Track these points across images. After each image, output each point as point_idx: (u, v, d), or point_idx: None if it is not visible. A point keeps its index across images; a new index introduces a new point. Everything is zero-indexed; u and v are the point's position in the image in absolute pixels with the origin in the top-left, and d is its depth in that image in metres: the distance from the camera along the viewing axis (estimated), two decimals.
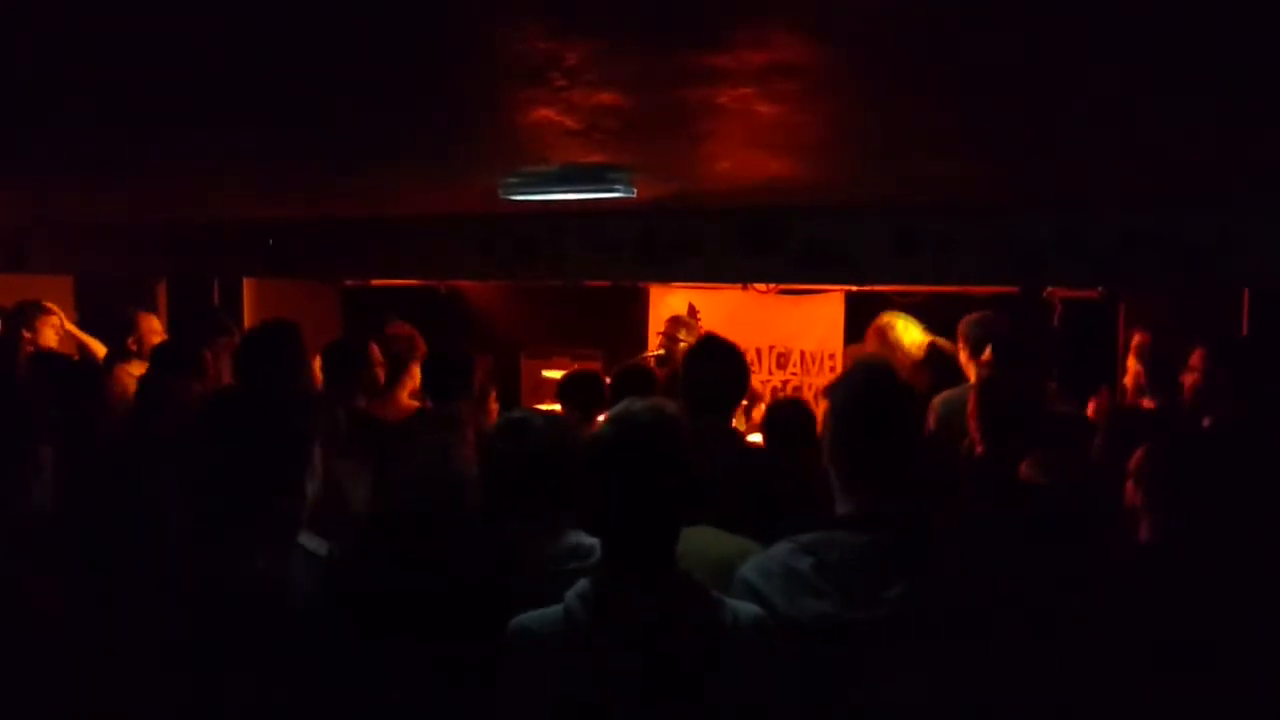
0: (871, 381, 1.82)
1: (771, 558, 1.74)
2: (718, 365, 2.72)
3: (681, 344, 4.96)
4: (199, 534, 1.74)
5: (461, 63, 1.86)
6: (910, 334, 4.20)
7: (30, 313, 4.59)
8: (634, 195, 3.33)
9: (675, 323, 5.21)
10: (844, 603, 1.63)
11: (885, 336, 4.22)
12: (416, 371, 3.83)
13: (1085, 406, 3.67)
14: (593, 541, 1.93)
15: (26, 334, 4.51)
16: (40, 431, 2.12)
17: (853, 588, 1.64)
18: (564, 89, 1.95)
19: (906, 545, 1.69)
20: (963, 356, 3.85)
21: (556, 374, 4.65)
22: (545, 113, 2.20)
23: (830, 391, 1.86)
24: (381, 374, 3.58)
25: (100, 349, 4.72)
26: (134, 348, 4.37)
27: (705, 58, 1.72)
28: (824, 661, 1.62)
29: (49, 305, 4.73)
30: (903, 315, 4.30)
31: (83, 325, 5.09)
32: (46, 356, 4.17)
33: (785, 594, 1.66)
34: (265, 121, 2.52)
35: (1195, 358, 3.26)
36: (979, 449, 2.79)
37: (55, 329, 4.62)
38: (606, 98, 2.03)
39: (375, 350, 3.59)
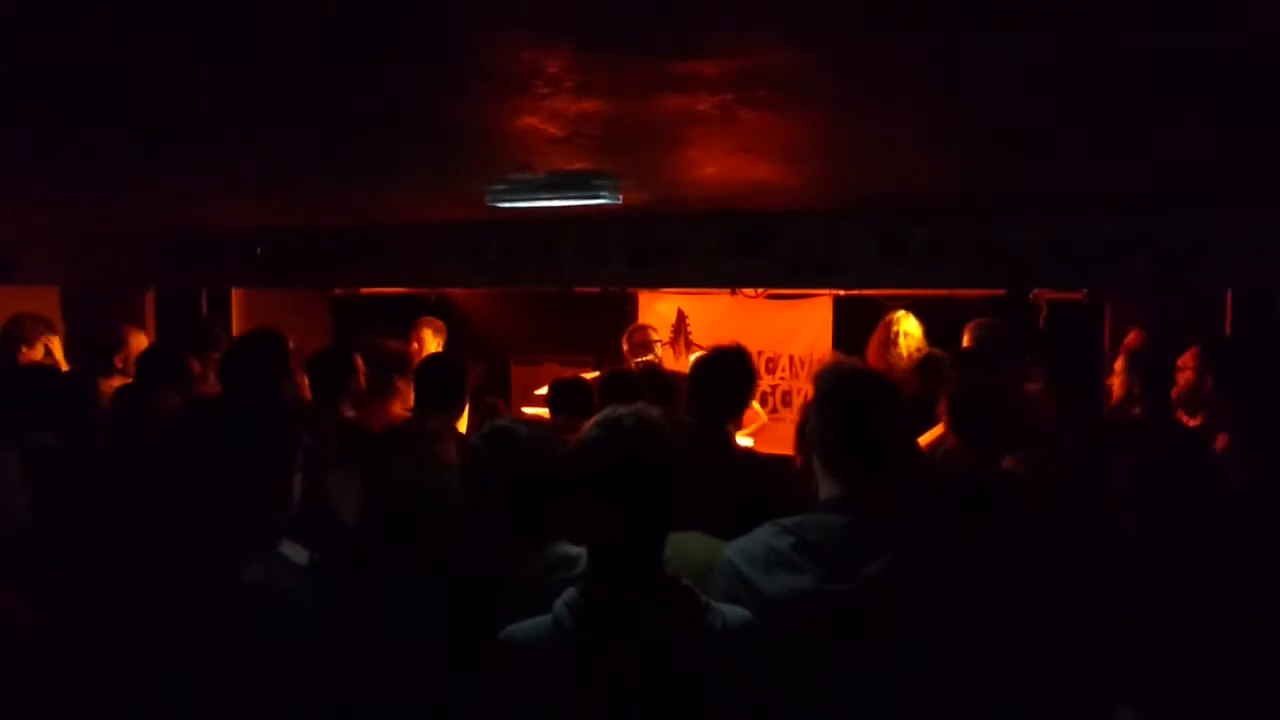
0: (854, 375, 1.92)
1: (753, 538, 1.79)
2: (728, 375, 2.75)
3: (657, 344, 4.96)
4: (180, 542, 1.73)
5: (444, 72, 1.87)
6: (914, 338, 4.27)
7: (33, 328, 4.53)
8: (619, 202, 3.34)
9: (642, 331, 5.20)
10: (822, 577, 1.68)
11: (889, 334, 4.28)
12: (404, 386, 3.80)
13: (1073, 406, 3.70)
14: (578, 552, 1.93)
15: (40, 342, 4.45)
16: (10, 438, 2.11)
17: (832, 564, 1.69)
18: (546, 96, 1.96)
19: (887, 526, 1.73)
20: None
21: (543, 389, 4.65)
22: (529, 120, 2.20)
23: (817, 385, 1.92)
24: (364, 383, 3.57)
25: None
26: (120, 365, 4.34)
27: (684, 65, 1.73)
28: (804, 635, 1.65)
29: (51, 323, 4.69)
30: (910, 317, 4.35)
31: (69, 337, 5.05)
32: (40, 369, 4.13)
33: (764, 572, 1.71)
34: (251, 132, 2.52)
35: (1187, 357, 3.31)
36: (950, 443, 2.83)
37: (44, 344, 4.57)
38: (589, 105, 2.04)
39: (359, 360, 3.58)
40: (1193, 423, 3.28)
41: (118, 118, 2.31)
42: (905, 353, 4.22)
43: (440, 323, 5.45)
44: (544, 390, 4.86)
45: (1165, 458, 2.12)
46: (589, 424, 1.64)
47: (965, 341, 4.00)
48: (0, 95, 2.05)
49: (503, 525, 1.99)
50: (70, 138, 2.59)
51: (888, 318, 4.43)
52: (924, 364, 4.17)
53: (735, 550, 1.79)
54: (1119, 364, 3.60)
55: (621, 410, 1.61)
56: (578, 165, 2.85)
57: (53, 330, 4.58)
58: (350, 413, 3.49)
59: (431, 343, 5.28)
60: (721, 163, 2.85)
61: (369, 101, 2.13)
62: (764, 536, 1.77)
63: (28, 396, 2.99)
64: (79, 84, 1.95)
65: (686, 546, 1.84)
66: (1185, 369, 3.33)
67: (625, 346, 5.25)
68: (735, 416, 2.86)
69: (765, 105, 2.02)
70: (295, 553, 1.88)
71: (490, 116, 2.22)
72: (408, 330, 5.30)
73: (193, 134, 2.52)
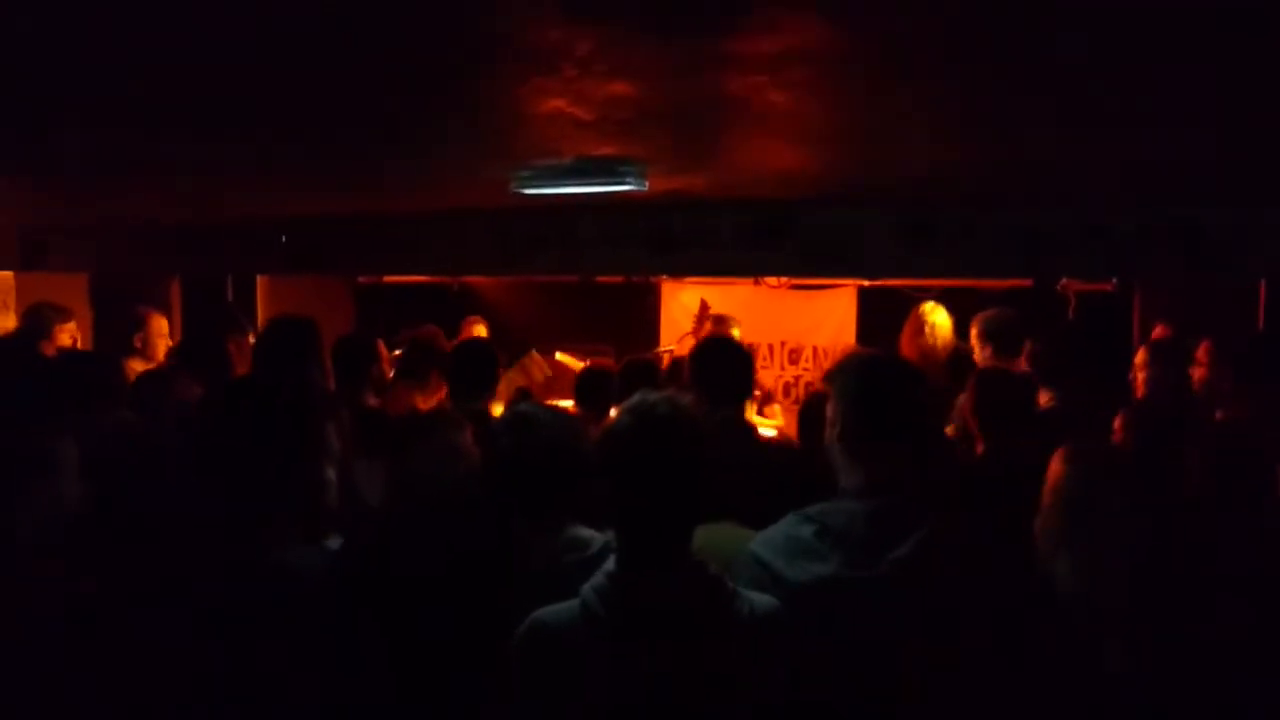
0: (876, 361, 1.90)
1: (776, 529, 1.79)
2: (726, 360, 2.74)
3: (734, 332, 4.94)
4: (217, 526, 1.74)
5: (473, 54, 1.86)
6: (947, 330, 4.22)
7: (48, 316, 4.57)
8: (645, 189, 3.32)
9: (725, 323, 5.16)
10: (845, 564, 1.67)
11: (923, 324, 4.22)
12: (437, 379, 3.80)
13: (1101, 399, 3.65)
14: (590, 534, 1.93)
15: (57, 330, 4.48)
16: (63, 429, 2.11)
17: (855, 549, 1.68)
18: (575, 79, 1.94)
19: (910, 510, 1.71)
20: (982, 355, 3.83)
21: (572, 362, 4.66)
22: (557, 104, 2.19)
23: (836, 373, 1.88)
24: (388, 370, 3.58)
25: None
26: (138, 345, 4.36)
27: (717, 45, 1.71)
28: (828, 620, 1.64)
29: (67, 311, 4.73)
30: (941, 309, 4.29)
31: (98, 323, 5.10)
32: (71, 355, 4.17)
33: (787, 560, 1.70)
34: (279, 116, 2.52)
35: (1201, 351, 3.28)
36: (979, 444, 2.79)
37: (70, 333, 4.62)
38: (618, 88, 2.02)
39: (382, 347, 3.59)
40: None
41: (145, 101, 2.32)
42: (940, 345, 4.15)
43: (485, 321, 5.52)
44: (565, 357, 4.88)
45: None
46: (620, 411, 1.63)
47: (973, 334, 3.93)
48: (32, 88, 2.06)
49: (519, 508, 1.98)
50: (97, 128, 2.61)
51: (918, 310, 4.36)
52: (955, 359, 4.11)
53: (758, 542, 1.78)
54: (1140, 357, 3.55)
55: (654, 397, 1.60)
56: (605, 150, 2.84)
57: (69, 318, 4.61)
58: (373, 400, 3.49)
59: None
60: (750, 148, 2.83)
61: (396, 82, 2.12)
62: (786, 527, 1.77)
63: (59, 383, 3.01)
64: (106, 73, 1.95)
65: (717, 536, 1.84)
66: (1200, 364, 3.30)
67: (709, 326, 5.25)
68: (746, 402, 2.87)
69: (798, 87, 2.00)
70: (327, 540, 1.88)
71: (518, 99, 2.21)
72: (457, 325, 5.35)
73: (220, 119, 2.53)
